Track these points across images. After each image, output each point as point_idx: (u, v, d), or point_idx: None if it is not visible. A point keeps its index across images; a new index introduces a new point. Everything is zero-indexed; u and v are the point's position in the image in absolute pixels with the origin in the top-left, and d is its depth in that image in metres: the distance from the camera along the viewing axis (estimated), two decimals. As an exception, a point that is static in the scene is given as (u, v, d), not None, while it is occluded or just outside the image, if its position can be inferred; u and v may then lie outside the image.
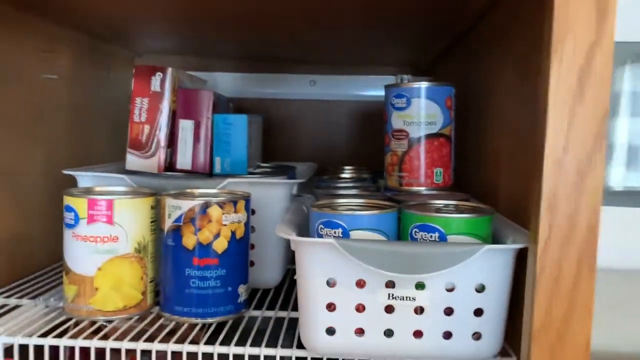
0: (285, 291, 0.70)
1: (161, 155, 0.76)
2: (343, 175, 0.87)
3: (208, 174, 0.78)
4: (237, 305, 0.59)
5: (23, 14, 0.70)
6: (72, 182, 0.85)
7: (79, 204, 0.56)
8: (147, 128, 0.77)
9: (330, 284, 0.48)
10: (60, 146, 0.81)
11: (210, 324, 0.58)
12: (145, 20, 0.78)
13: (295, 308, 0.63)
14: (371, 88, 1.08)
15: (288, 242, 0.71)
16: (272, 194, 0.68)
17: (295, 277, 0.52)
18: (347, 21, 0.71)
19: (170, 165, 0.78)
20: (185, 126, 0.79)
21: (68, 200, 0.57)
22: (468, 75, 0.78)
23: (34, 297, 0.64)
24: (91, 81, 0.91)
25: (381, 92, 1.08)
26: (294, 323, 0.58)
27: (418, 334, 0.48)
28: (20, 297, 0.64)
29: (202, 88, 0.84)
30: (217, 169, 0.78)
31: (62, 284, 0.69)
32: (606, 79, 0.41)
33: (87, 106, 0.90)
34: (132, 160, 0.76)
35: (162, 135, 0.76)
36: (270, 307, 0.63)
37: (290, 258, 0.74)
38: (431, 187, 0.64)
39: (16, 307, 0.62)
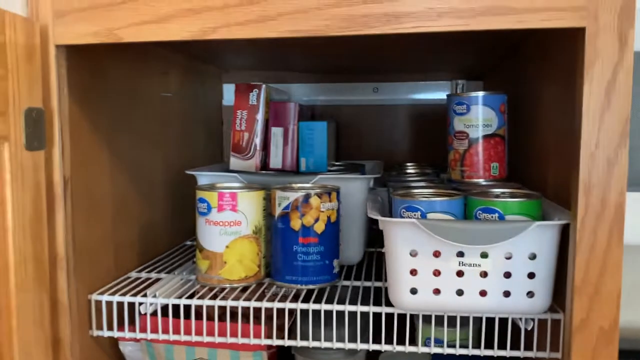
0: (366, 267, 0.84)
1: (258, 157, 0.92)
2: (408, 171, 1.00)
3: (295, 172, 0.93)
4: (332, 275, 0.74)
5: (148, 44, 0.87)
6: (186, 179, 1.02)
7: (211, 197, 0.72)
8: (246, 135, 0.93)
9: (413, 254, 0.62)
10: (174, 150, 0.98)
11: (313, 290, 0.73)
12: (236, 45, 0.93)
13: (377, 279, 0.77)
14: (428, 92, 1.21)
15: (366, 226, 0.86)
16: (354, 187, 0.82)
17: (375, 253, 0.66)
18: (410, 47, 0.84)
19: (264, 165, 0.94)
20: (276, 132, 0.94)
21: (202, 194, 0.73)
22: (517, 83, 0.90)
23: (168, 272, 0.81)
24: (192, 96, 1.08)
25: (437, 96, 1.21)
26: (378, 290, 0.73)
27: (483, 293, 0.62)
28: (159, 272, 0.81)
29: (287, 100, 0.99)
30: (303, 167, 0.93)
31: (187, 262, 0.87)
32: (627, 90, 0.53)
33: (190, 117, 1.07)
34: (235, 161, 0.93)
35: (258, 140, 0.92)
36: (357, 279, 0.78)
37: (368, 241, 0.89)
38: (489, 179, 0.77)
39: (157, 279, 0.78)
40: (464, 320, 0.73)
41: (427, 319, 0.76)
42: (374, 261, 0.86)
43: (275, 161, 0.94)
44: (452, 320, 0.72)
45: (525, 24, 0.53)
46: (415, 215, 0.64)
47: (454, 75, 1.19)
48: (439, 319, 0.70)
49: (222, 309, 0.70)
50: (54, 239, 0.61)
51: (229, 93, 1.26)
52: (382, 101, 1.23)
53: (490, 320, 0.66)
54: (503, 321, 0.67)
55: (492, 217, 0.62)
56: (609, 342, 0.55)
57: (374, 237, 0.89)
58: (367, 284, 0.76)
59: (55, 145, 0.60)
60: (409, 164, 1.08)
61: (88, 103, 0.69)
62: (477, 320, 0.75)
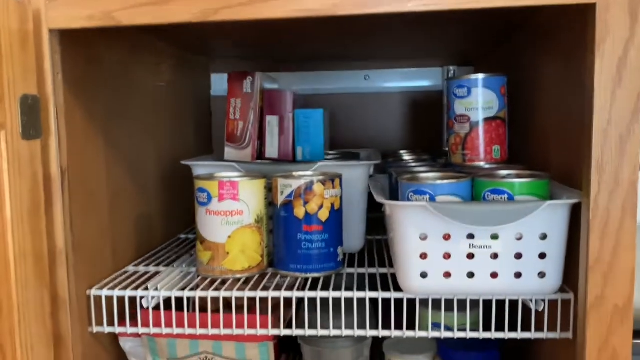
0: (368, 255, 0.83)
1: (253, 146, 0.90)
2: (405, 158, 1.00)
3: (292, 161, 0.91)
4: (337, 263, 0.73)
5: (141, 33, 0.85)
6: (178, 171, 1.00)
7: (211, 186, 0.70)
8: (241, 124, 0.91)
9: (422, 238, 0.61)
10: (165, 142, 0.96)
11: (318, 278, 0.71)
12: (227, 32, 0.91)
13: (381, 265, 0.76)
14: (419, 79, 1.21)
15: (367, 214, 0.84)
16: (355, 174, 0.81)
17: (374, 241, 0.65)
18: (398, 26, 0.83)
19: (260, 155, 0.92)
20: (271, 121, 0.92)
21: (201, 184, 0.71)
22: (512, 67, 0.90)
23: (166, 266, 0.79)
24: (181, 87, 1.05)
25: (428, 83, 1.21)
26: (384, 277, 0.72)
27: (494, 275, 0.61)
28: (157, 266, 0.79)
29: (280, 88, 0.98)
30: (299, 156, 0.92)
31: (184, 255, 0.85)
32: (639, 66, 0.53)
33: (180, 108, 1.04)
34: (230, 151, 0.91)
35: (253, 129, 0.90)
36: (361, 266, 0.77)
37: (368, 229, 0.87)
38: (491, 162, 0.77)
39: (156, 273, 0.76)
40: (473, 304, 0.72)
41: (435, 304, 0.76)
42: (375, 249, 0.85)
43: (271, 150, 0.92)
44: (459, 304, 0.71)
45: (538, 1, 0.52)
46: (423, 198, 0.63)
47: (445, 61, 1.19)
48: (448, 304, 0.69)
49: (227, 300, 0.68)
50: (52, 232, 0.59)
51: (217, 84, 1.24)
52: (374, 89, 1.22)
53: (500, 303, 0.65)
54: (512, 304, 0.67)
55: (501, 198, 0.62)
56: (623, 319, 0.55)
57: (371, 224, 0.88)
58: (372, 270, 0.75)
59: (51, 135, 0.58)
60: (403, 151, 1.08)
61: (82, 91, 0.66)
62: (485, 304, 0.75)
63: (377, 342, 0.86)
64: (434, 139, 1.19)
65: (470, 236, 0.61)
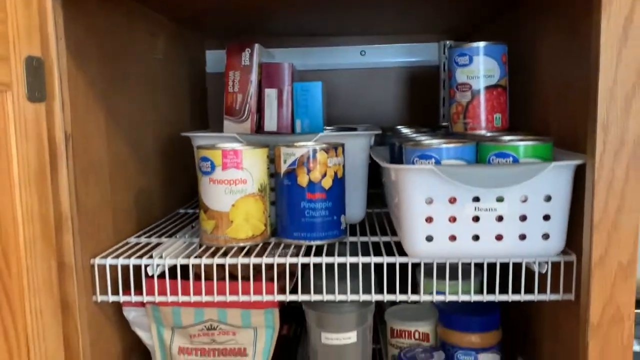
0: (369, 225, 0.83)
1: (252, 119, 0.90)
2: (403, 131, 1.00)
3: (291, 134, 0.91)
4: (340, 231, 0.73)
5: (136, 2, 0.83)
6: (177, 146, 0.99)
7: (215, 155, 0.70)
8: (239, 97, 0.90)
9: (428, 202, 0.62)
10: (163, 116, 0.95)
11: (322, 246, 0.71)
12: (218, 8, 0.91)
13: (383, 234, 0.77)
14: (416, 55, 1.21)
15: (368, 185, 0.84)
16: (356, 144, 0.81)
17: (374, 214, 0.65)
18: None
19: (259, 128, 0.91)
20: (270, 94, 0.92)
21: (204, 153, 0.71)
22: (513, 39, 0.90)
23: (168, 237, 0.78)
24: (177, 62, 1.04)
25: (425, 58, 1.20)
26: (387, 244, 0.72)
27: (499, 237, 0.62)
28: (159, 237, 0.78)
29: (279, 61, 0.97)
30: (298, 129, 0.91)
31: (184, 227, 0.84)
32: (645, 26, 0.53)
33: (176, 83, 1.03)
34: (229, 125, 0.90)
35: (252, 102, 0.90)
36: (363, 235, 0.77)
37: (368, 201, 0.88)
38: (492, 130, 0.77)
39: (158, 244, 0.76)
40: (476, 272, 0.73)
41: (439, 273, 0.77)
42: (376, 220, 0.86)
43: (270, 124, 0.92)
44: (463, 274, 0.72)
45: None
46: (429, 163, 0.63)
47: (442, 36, 1.19)
48: (452, 273, 0.69)
49: (232, 268, 0.68)
50: (58, 198, 0.58)
51: (212, 60, 1.23)
52: (370, 64, 1.22)
53: (503, 267, 0.66)
54: (515, 270, 0.67)
55: (506, 161, 0.62)
56: (627, 276, 0.56)
57: (369, 199, 0.88)
58: (375, 239, 0.75)
59: (55, 99, 0.57)
60: (401, 126, 1.08)
61: (83, 59, 0.65)
62: (489, 271, 0.75)
63: (380, 312, 0.87)
64: (431, 115, 1.19)
65: (476, 199, 0.61)
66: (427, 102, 1.20)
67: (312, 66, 1.22)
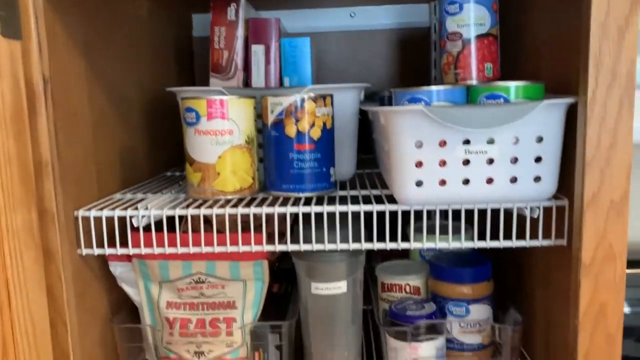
0: (359, 182, 0.82)
1: (239, 76, 0.88)
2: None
3: (279, 88, 0.89)
4: (329, 183, 0.72)
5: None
6: (163, 107, 0.97)
7: (200, 105, 0.68)
8: (226, 53, 0.88)
9: (418, 145, 0.61)
10: (148, 77, 0.93)
11: (311, 198, 0.70)
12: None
13: (373, 188, 0.75)
14: (406, 16, 1.18)
15: (358, 143, 0.83)
16: (345, 98, 0.79)
17: (364, 174, 0.64)
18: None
19: (246, 86, 0.90)
20: (257, 50, 0.90)
21: (189, 103, 0.69)
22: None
23: (154, 193, 0.77)
24: (163, 23, 1.02)
25: (416, 19, 1.18)
26: (378, 197, 0.71)
27: (490, 181, 0.61)
28: (145, 193, 0.77)
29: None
30: (286, 86, 0.90)
31: (171, 186, 0.83)
32: (638, -44, 0.52)
33: (162, 45, 1.01)
34: (215, 82, 0.88)
35: (239, 59, 0.88)
36: (353, 189, 0.76)
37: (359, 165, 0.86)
38: (483, 80, 0.76)
39: (143, 199, 0.74)
40: (467, 227, 0.71)
41: (429, 229, 0.76)
42: (366, 178, 0.84)
43: (258, 81, 0.90)
44: (454, 226, 0.70)
45: None
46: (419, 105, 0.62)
47: (431, -3, 1.17)
48: (443, 229, 0.68)
49: (220, 219, 0.67)
50: (37, 143, 0.56)
51: (198, 24, 1.21)
52: (360, 27, 1.20)
53: (494, 213, 0.65)
54: (506, 217, 0.66)
55: (497, 102, 0.61)
56: (619, 214, 0.55)
57: (362, 162, 0.87)
58: (365, 192, 0.74)
59: (32, 39, 0.55)
60: (391, 89, 1.06)
61: (61, 6, 0.63)
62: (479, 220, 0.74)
63: (370, 270, 0.86)
64: (422, 77, 1.17)
65: (466, 142, 0.60)
66: (418, 65, 1.19)
67: (300, 29, 1.20)
